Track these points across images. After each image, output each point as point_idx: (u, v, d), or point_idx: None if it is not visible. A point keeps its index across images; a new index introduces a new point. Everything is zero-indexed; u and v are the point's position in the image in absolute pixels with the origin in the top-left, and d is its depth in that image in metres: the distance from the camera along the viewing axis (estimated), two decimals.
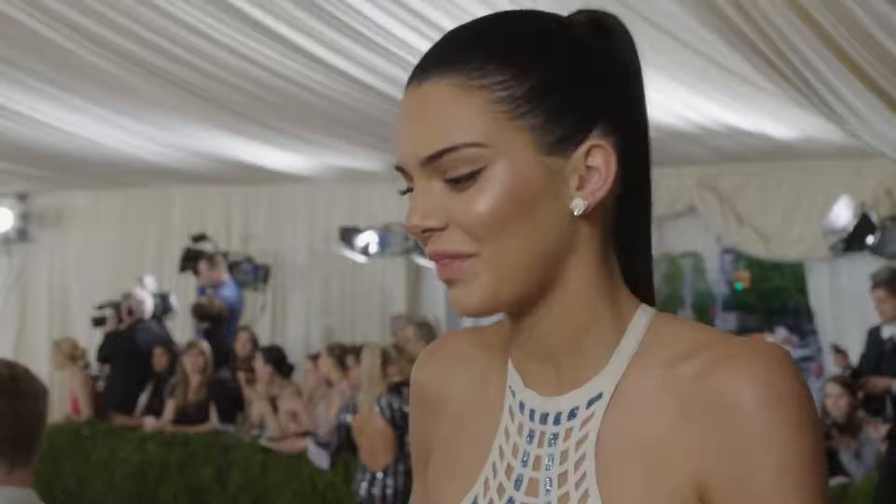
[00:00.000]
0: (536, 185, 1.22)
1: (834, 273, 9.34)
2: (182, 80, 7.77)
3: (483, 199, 1.21)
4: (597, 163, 1.24)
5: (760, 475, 1.16)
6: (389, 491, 7.10)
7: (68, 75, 7.90)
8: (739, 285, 39.12)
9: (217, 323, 10.63)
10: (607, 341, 1.28)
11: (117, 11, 6.60)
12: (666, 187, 9.29)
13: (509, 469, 1.31)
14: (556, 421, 1.28)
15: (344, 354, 8.92)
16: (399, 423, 7.03)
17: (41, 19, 6.79)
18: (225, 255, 11.21)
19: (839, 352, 8.87)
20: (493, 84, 1.22)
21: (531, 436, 1.30)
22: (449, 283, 1.26)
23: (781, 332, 38.01)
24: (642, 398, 1.24)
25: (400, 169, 1.28)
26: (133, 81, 7.88)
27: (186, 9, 6.48)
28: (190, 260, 11.13)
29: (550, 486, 1.27)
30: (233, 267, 11.14)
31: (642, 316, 1.30)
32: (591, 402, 1.26)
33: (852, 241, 8.76)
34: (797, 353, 35.73)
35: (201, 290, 11.08)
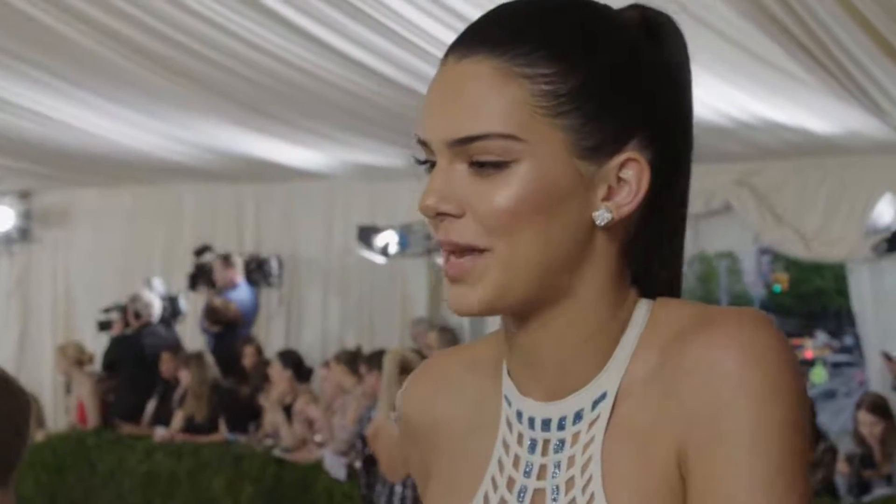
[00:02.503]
0: (563, 188, 1.22)
1: (877, 275, 9.30)
2: (192, 71, 7.79)
3: (505, 193, 1.21)
4: (629, 176, 1.24)
5: (735, 433, 1.16)
6: (409, 503, 7.10)
7: (73, 66, 7.92)
8: (777, 287, 39.05)
9: (230, 328, 10.65)
10: (609, 341, 1.28)
11: (125, 0, 6.62)
12: (700, 184, 9.21)
13: (511, 482, 1.30)
14: (561, 426, 1.28)
15: (355, 361, 8.93)
16: None
17: (43, 8, 6.80)
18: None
19: (890, 359, 8.79)
20: (537, 75, 1.21)
21: (533, 445, 1.30)
22: (452, 280, 1.25)
23: (822, 337, 37.90)
24: (639, 388, 1.25)
25: (422, 142, 1.27)
26: (141, 73, 7.90)
27: None
28: (198, 276, 11.15)
29: (557, 494, 1.27)
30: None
31: (641, 309, 1.29)
32: (595, 403, 1.26)
33: None
34: (838, 359, 35.60)
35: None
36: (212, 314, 10.60)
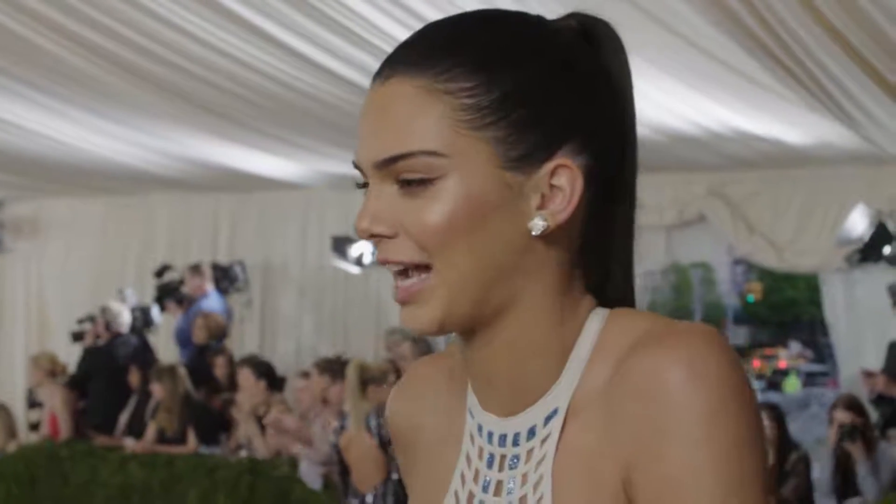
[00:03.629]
0: (492, 200, 1.21)
1: (849, 285, 9.35)
2: (166, 81, 7.78)
3: (434, 210, 1.21)
4: (561, 183, 1.23)
5: (681, 455, 1.14)
6: None
7: (45, 76, 7.90)
8: (751, 297, 39.17)
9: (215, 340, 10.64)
10: (561, 352, 1.27)
11: (98, 10, 6.60)
12: (674, 195, 9.30)
13: (471, 496, 1.31)
14: (515, 442, 1.27)
15: (334, 369, 8.91)
16: (387, 442, 7.01)
17: (15, 17, 6.78)
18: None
19: (870, 375, 8.79)
20: (458, 90, 1.21)
21: (491, 460, 1.29)
22: (402, 303, 1.26)
23: (795, 347, 38.06)
24: (588, 405, 1.23)
25: (357, 166, 1.28)
26: (114, 83, 7.89)
27: (170, 6, 6.48)
28: (163, 297, 11.14)
29: None
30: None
31: (594, 320, 1.28)
32: (547, 419, 1.25)
33: (868, 252, 8.78)
34: (811, 369, 35.76)
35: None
36: (209, 330, 10.54)
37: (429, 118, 1.21)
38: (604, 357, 1.25)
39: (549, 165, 1.23)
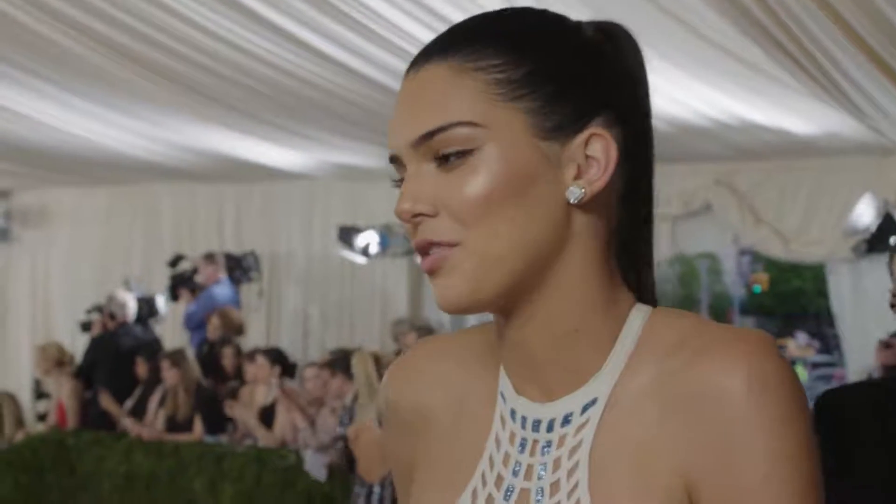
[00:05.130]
0: (530, 169, 1.23)
1: (856, 275, 9.32)
2: (171, 71, 7.77)
3: (474, 181, 1.22)
4: (596, 152, 1.25)
5: (748, 464, 1.17)
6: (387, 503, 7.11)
7: (52, 66, 7.90)
8: (758, 287, 39.07)
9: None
10: (602, 342, 1.28)
11: (105, 0, 6.60)
12: (680, 185, 9.29)
13: (499, 479, 1.30)
14: (550, 428, 1.28)
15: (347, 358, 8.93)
16: None
17: (21, 6, 6.78)
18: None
19: (888, 346, 8.71)
20: (489, 66, 1.24)
21: (523, 444, 1.30)
22: (432, 274, 1.26)
23: (802, 337, 38.00)
24: (633, 399, 1.24)
25: (393, 160, 1.29)
26: (119, 73, 7.88)
27: None
28: (177, 286, 11.16)
29: (541, 495, 1.26)
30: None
31: (638, 314, 1.29)
32: (585, 408, 1.26)
33: (875, 242, 8.76)
34: (818, 359, 35.78)
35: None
36: (225, 328, 10.53)
37: (463, 93, 1.23)
38: (648, 352, 1.26)
39: (584, 135, 1.25)
